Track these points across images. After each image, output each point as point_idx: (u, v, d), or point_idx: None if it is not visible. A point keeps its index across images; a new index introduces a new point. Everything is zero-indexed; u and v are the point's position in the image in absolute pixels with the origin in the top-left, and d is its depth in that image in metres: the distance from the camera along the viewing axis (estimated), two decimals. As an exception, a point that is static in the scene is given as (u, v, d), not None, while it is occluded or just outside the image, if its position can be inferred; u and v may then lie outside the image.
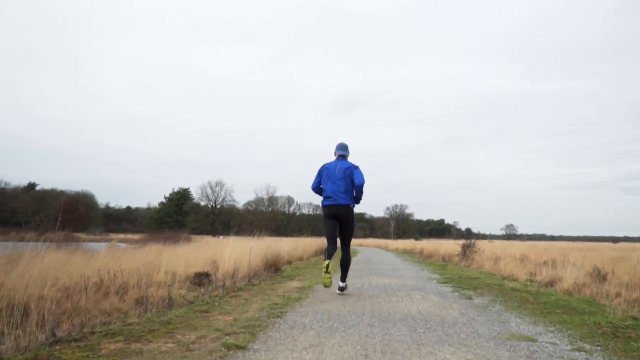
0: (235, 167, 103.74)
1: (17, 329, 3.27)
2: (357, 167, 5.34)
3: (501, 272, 9.67)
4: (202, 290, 6.50)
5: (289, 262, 12.03)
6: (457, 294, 5.71)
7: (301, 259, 13.74)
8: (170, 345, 2.76)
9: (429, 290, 6.03)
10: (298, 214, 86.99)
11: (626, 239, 77.38)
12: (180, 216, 68.47)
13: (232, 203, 74.13)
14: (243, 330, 3.20)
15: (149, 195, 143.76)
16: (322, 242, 20.99)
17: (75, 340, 2.99)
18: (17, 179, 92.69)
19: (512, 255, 12.81)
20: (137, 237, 26.53)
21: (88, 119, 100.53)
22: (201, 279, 7.35)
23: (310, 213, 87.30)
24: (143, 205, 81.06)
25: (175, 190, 71.48)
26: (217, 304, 4.54)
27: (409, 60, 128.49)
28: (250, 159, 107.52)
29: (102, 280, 6.20)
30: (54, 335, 3.05)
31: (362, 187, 5.29)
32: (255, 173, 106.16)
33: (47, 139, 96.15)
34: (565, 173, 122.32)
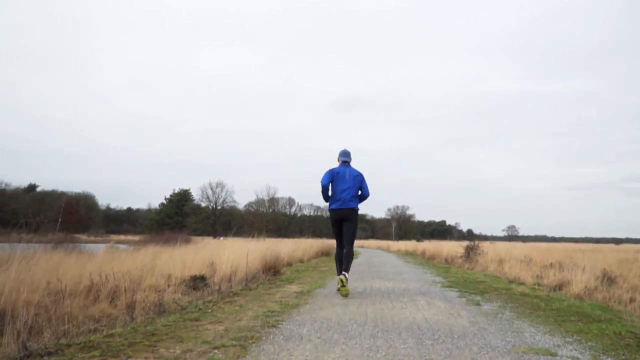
0: (235, 167, 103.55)
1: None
2: (364, 177, 5.88)
3: (506, 275, 9.39)
4: (198, 294, 6.24)
5: (289, 264, 11.75)
6: (463, 299, 5.43)
7: (301, 261, 13.46)
8: (152, 360, 2.49)
9: (434, 294, 5.74)
10: (299, 214, 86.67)
11: (628, 240, 76.97)
12: (180, 217, 68.16)
13: (232, 204, 73.81)
14: (234, 342, 2.92)
15: (149, 196, 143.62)
16: (322, 242, 20.74)
17: (49, 353, 2.72)
18: (18, 179, 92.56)
19: (515, 256, 12.52)
20: (137, 238, 26.29)
21: (88, 119, 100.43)
22: (196, 282, 7.09)
23: (311, 214, 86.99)
24: (144, 206, 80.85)
25: (176, 191, 71.24)
26: (209, 311, 4.27)
27: (409, 60, 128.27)
28: (251, 159, 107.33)
29: (93, 284, 5.94)
30: (25, 348, 2.78)
31: (367, 197, 5.95)
32: (256, 174, 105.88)
33: (47, 139, 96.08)
34: (566, 173, 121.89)
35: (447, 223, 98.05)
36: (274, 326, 3.47)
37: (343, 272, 5.57)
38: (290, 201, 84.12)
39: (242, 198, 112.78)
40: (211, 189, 71.86)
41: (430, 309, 4.55)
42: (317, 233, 70.29)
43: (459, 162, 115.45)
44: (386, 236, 73.88)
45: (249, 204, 76.51)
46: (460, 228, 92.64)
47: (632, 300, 6.09)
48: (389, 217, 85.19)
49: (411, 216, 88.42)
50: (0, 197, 53.19)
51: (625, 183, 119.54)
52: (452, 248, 17.03)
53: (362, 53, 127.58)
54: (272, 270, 8.96)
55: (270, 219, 70.13)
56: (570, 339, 3.36)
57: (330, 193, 5.80)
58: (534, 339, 3.33)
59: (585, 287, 6.89)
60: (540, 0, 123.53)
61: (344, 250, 5.75)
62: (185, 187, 71.53)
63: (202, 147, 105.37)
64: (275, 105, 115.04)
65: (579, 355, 2.89)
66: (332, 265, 11.78)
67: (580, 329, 3.77)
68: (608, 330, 3.70)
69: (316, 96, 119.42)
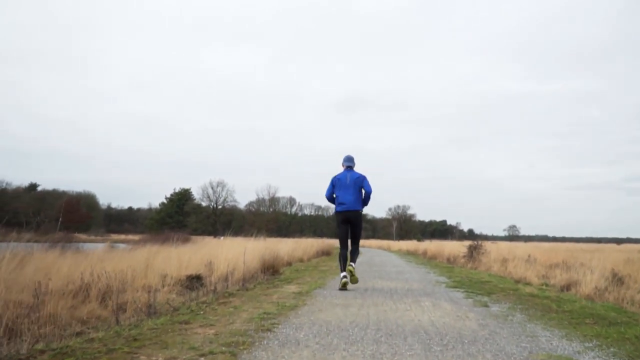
0: (236, 167, 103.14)
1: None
2: (365, 177, 6.11)
3: (511, 275, 9.14)
4: (193, 294, 6.00)
5: (289, 264, 11.50)
6: (470, 300, 5.17)
7: (301, 260, 13.21)
8: (131, 369, 2.23)
9: (439, 295, 5.48)
10: (300, 214, 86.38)
11: (629, 240, 76.63)
12: (181, 216, 67.90)
13: (233, 203, 73.52)
14: (223, 348, 2.66)
15: (150, 195, 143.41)
16: (323, 242, 20.88)
17: (19, 360, 2.47)
18: (19, 179, 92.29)
19: (519, 256, 12.24)
20: (137, 237, 26.04)
21: (90, 119, 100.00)
22: (192, 282, 6.85)
23: (312, 214, 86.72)
24: (145, 205, 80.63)
25: (176, 191, 71.00)
26: (201, 312, 4.01)
27: (409, 60, 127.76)
28: (251, 159, 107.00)
29: (84, 283, 5.71)
30: (-6, 355, 2.53)
31: (370, 194, 6.12)
32: (257, 173, 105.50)
33: (48, 138, 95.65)
34: (566, 173, 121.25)
35: (448, 223, 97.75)
36: (268, 330, 3.21)
37: (350, 263, 5.97)
38: (291, 201, 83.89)
39: (243, 197, 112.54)
40: (212, 188, 71.63)
41: (436, 310, 4.29)
42: (317, 233, 69.99)
43: (459, 162, 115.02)
44: (387, 236, 73.59)
45: (250, 204, 76.25)
46: (461, 228, 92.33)
47: (645, 301, 5.82)
48: (389, 217, 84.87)
49: (412, 216, 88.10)
50: (1, 197, 52.99)
51: (625, 183, 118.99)
52: (454, 248, 16.77)
53: (362, 53, 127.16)
54: (271, 269, 8.72)
55: (271, 219, 69.85)
56: (590, 344, 3.10)
57: (335, 198, 6.16)
58: (551, 344, 3.07)
59: (596, 287, 6.63)
60: (540, 0, 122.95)
61: (351, 248, 6.14)
62: (186, 187, 71.34)
63: (202, 147, 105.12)
64: (275, 105, 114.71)
65: (603, 363, 2.63)
66: (332, 264, 11.52)
67: (598, 333, 3.51)
68: (628, 334, 3.43)
69: (316, 96, 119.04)
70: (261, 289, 6.00)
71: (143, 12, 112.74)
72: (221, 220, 69.74)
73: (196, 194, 71.88)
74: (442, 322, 3.69)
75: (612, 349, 2.97)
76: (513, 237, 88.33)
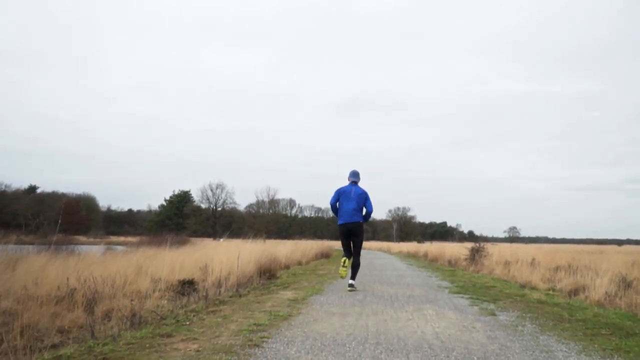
0: (236, 168, 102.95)
1: None
2: (368, 195, 6.54)
3: (515, 278, 8.85)
4: (184, 300, 5.72)
5: (287, 267, 11.20)
6: (476, 307, 4.87)
7: (300, 263, 12.90)
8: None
9: (442, 302, 5.18)
10: (300, 216, 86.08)
11: (629, 241, 76.40)
12: (180, 218, 67.58)
13: (232, 205, 73.22)
14: (203, 368, 2.37)
15: (149, 197, 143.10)
16: (322, 244, 21.28)
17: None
18: (18, 180, 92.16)
19: (521, 259, 11.94)
20: (136, 239, 25.74)
21: (90, 119, 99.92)
22: (184, 287, 6.56)
23: (312, 215, 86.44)
24: (144, 207, 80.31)
25: (176, 193, 70.71)
26: (187, 323, 3.72)
27: (409, 60, 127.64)
28: (251, 159, 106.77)
29: (69, 289, 5.43)
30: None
31: (371, 213, 6.62)
32: (257, 174, 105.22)
33: (48, 139, 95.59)
34: (566, 174, 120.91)
35: (448, 224, 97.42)
36: (257, 345, 2.91)
37: (350, 281, 6.28)
38: (291, 202, 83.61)
39: (242, 199, 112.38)
40: (211, 190, 71.35)
41: (440, 320, 4.00)
42: (318, 234, 69.70)
43: (459, 163, 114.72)
44: (387, 237, 73.26)
45: (250, 206, 75.92)
46: (461, 229, 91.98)
47: (660, 308, 5.53)
48: (389, 219, 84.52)
49: (412, 217, 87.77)
50: (1, 199, 52.70)
51: (626, 184, 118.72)
52: (455, 250, 16.47)
53: (362, 53, 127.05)
54: (268, 273, 8.42)
55: (271, 221, 69.49)
56: (612, 361, 2.81)
57: (338, 209, 6.54)
58: (569, 361, 2.78)
59: (606, 293, 6.34)
60: (540, 0, 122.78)
61: (352, 260, 6.47)
62: (186, 188, 71.03)
63: (202, 147, 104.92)
64: (275, 105, 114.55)
65: (631, 385, 2.34)
66: (331, 267, 11.22)
67: (617, 346, 3.22)
68: (651, 348, 3.14)
69: (316, 96, 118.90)
70: (255, 295, 5.71)
71: (143, 12, 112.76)
72: (221, 222, 69.43)
73: (195, 196, 71.61)
74: (448, 335, 3.40)
75: (637, 367, 2.68)
76: (513, 238, 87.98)
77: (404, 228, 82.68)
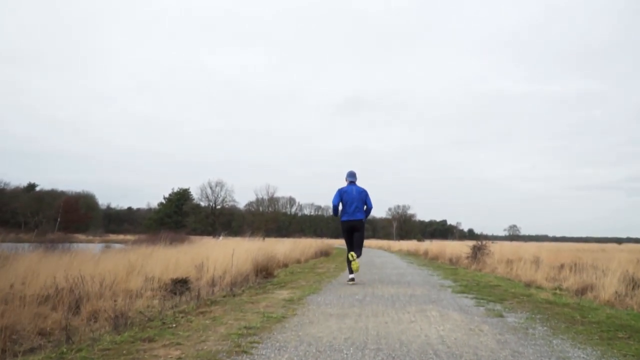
0: (235, 167, 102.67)
1: None
2: (367, 193, 6.97)
3: (519, 277, 8.59)
4: (176, 300, 5.48)
5: (285, 265, 10.94)
6: (481, 308, 4.61)
7: (298, 262, 12.64)
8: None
9: (446, 302, 4.92)
10: (299, 214, 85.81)
11: (629, 240, 76.30)
12: (179, 216, 67.30)
13: (232, 203, 72.92)
14: (182, 379, 2.11)
15: (149, 195, 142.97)
16: (322, 242, 21.20)
17: None
18: (17, 179, 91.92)
19: (523, 257, 11.68)
20: (134, 237, 25.50)
21: (90, 119, 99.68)
22: (177, 286, 6.31)
23: (312, 214, 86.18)
24: (144, 205, 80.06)
25: (175, 191, 70.39)
26: (173, 325, 3.46)
27: (409, 60, 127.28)
28: (251, 159, 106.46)
29: (57, 289, 5.19)
30: None
31: (371, 209, 7.04)
32: (256, 173, 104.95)
33: (48, 138, 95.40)
34: (567, 173, 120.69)
35: (448, 223, 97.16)
36: (245, 352, 2.65)
37: (355, 259, 6.58)
38: (291, 201, 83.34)
39: (242, 197, 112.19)
40: (210, 188, 71.08)
41: (445, 322, 3.74)
42: (317, 233, 69.36)
43: (460, 162, 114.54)
44: (387, 236, 72.99)
45: (249, 204, 75.62)
46: (461, 228, 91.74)
47: (674, 308, 5.27)
48: (389, 217, 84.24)
49: (412, 216, 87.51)
50: (0, 197, 52.37)
51: (626, 183, 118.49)
52: (456, 248, 16.21)
53: (362, 53, 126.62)
54: (264, 272, 8.17)
55: (270, 219, 69.17)
56: (636, 369, 2.55)
57: (340, 208, 6.87)
58: (589, 369, 2.52)
59: (616, 292, 6.08)
60: (540, 0, 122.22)
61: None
62: (185, 187, 70.75)
63: (202, 147, 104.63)
64: (275, 105, 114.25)
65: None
66: (330, 266, 10.97)
67: (637, 352, 2.96)
68: (676, 354, 2.88)
69: (317, 96, 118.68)
70: (249, 294, 5.45)
71: (144, 12, 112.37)
72: (220, 220, 69.17)
73: (195, 194, 71.36)
74: (454, 338, 3.14)
75: (665, 376, 2.42)
76: (514, 236, 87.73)
77: (404, 226, 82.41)
